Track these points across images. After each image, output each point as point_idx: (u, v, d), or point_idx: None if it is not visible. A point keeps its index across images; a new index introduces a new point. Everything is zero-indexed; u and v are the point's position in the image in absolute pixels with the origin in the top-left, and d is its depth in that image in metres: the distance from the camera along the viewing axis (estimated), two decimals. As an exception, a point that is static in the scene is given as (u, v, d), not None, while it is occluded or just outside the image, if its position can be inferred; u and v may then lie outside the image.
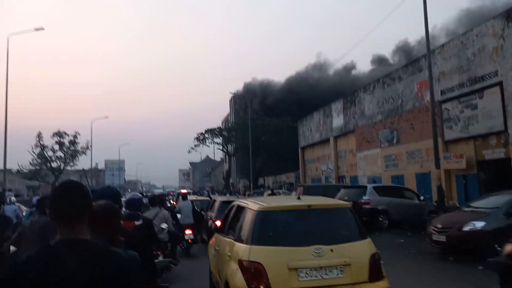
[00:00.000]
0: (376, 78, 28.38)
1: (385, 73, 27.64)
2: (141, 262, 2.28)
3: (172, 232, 8.75)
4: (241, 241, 5.14)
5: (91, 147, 54.05)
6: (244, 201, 6.16)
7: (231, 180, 67.57)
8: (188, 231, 11.74)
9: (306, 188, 19.83)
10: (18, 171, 55.52)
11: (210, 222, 12.88)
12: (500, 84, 16.48)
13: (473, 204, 11.46)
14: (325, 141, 34.42)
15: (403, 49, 60.08)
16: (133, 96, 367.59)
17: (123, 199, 5.67)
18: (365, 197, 16.24)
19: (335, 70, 64.67)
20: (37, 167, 53.23)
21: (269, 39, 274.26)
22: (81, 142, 54.72)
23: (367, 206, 15.89)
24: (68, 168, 56.51)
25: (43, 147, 52.49)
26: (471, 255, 9.46)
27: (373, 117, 26.80)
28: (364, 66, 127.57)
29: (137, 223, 5.02)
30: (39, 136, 52.36)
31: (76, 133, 53.98)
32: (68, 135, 53.58)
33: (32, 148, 52.11)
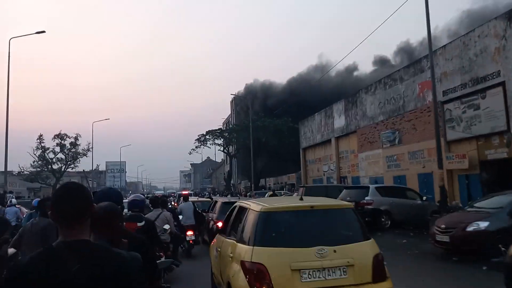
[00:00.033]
0: (378, 79, 28.33)
1: (387, 74, 27.57)
2: (143, 263, 2.26)
3: (174, 233, 8.75)
4: (243, 242, 5.11)
5: (92, 149, 54.12)
6: (246, 202, 6.11)
7: (232, 181, 67.54)
8: (189, 232, 11.71)
9: (307, 189, 19.76)
10: (19, 173, 55.59)
11: (211, 223, 12.86)
12: (502, 84, 16.43)
13: (477, 204, 11.39)
14: (327, 142, 34.38)
15: (405, 50, 60.06)
16: (134, 98, 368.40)
17: (125, 200, 5.63)
18: (367, 198, 16.17)
19: (337, 71, 64.67)
20: (38, 169, 53.29)
21: (271, 41, 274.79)
22: (82, 144, 54.86)
23: (370, 207, 15.83)
24: (69, 170, 56.56)
25: (44, 149, 52.56)
26: (474, 256, 9.40)
27: (374, 117, 26.75)
28: (366, 67, 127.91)
29: (139, 224, 5.01)
30: (40, 138, 52.47)
31: (77, 135, 54.13)
32: (69, 137, 53.69)
33: (33, 150, 52.23)
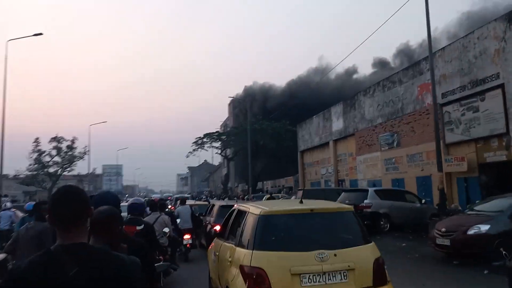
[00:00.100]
0: (377, 81, 28.32)
1: (387, 76, 27.55)
2: (142, 266, 2.21)
3: (172, 236, 8.69)
4: (242, 246, 5.03)
5: (89, 152, 53.91)
6: (245, 205, 6.03)
7: (229, 185, 67.39)
8: (186, 236, 11.62)
9: (306, 192, 19.64)
10: (15, 176, 55.30)
11: (208, 226, 12.75)
12: (502, 86, 16.39)
13: (477, 208, 11.32)
14: (325, 145, 34.33)
15: (405, 52, 60.19)
16: (132, 101, 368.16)
17: (123, 203, 5.56)
18: (366, 201, 16.09)
19: (337, 74, 64.75)
20: (34, 173, 53.01)
21: (271, 45, 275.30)
22: (79, 147, 54.60)
23: (369, 210, 15.75)
24: (66, 173, 56.31)
25: (40, 152, 52.30)
26: (475, 259, 9.31)
27: (373, 120, 26.71)
28: (366, 70, 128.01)
29: (138, 228, 5.00)
30: (37, 141, 52.22)
31: (73, 138, 53.89)
32: (65, 140, 53.46)
33: (30, 153, 51.95)
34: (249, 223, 5.14)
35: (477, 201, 14.59)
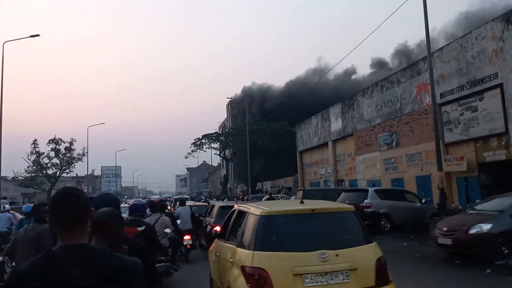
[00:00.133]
0: (375, 82, 28.33)
1: (385, 76, 27.57)
2: (143, 267, 2.21)
3: (173, 237, 8.68)
4: (243, 246, 5.02)
5: (87, 153, 53.84)
6: (246, 206, 6.02)
7: (228, 185, 67.37)
8: (186, 237, 11.60)
9: (306, 192, 19.63)
10: (13, 178, 55.22)
11: (208, 227, 12.73)
12: (500, 86, 16.41)
13: (478, 207, 11.30)
14: (324, 145, 34.34)
15: (403, 52, 60.18)
16: (130, 102, 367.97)
17: (122, 205, 5.56)
18: (366, 201, 16.07)
19: (336, 74, 64.73)
20: (33, 174, 52.95)
21: (270, 46, 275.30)
22: (77, 148, 54.56)
23: (369, 210, 15.72)
24: (64, 175, 56.24)
25: (38, 154, 52.24)
26: (477, 259, 9.29)
27: (371, 120, 26.72)
28: (365, 70, 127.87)
29: (139, 229, 5.02)
30: (35, 143, 52.16)
31: (72, 140, 53.84)
32: (64, 142, 53.41)
33: (28, 155, 51.89)
34: (250, 224, 5.12)
35: (477, 201, 14.60)
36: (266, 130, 48.92)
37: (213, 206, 14.61)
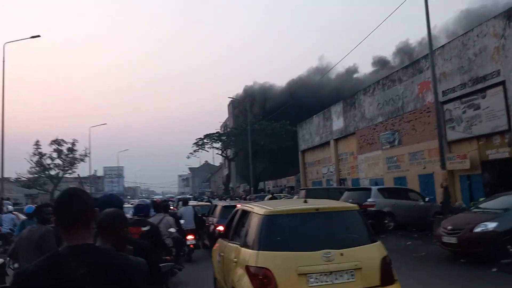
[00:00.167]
0: (377, 80, 28.26)
1: (386, 75, 27.50)
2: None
3: (176, 237, 8.68)
4: (247, 246, 5.01)
5: (90, 154, 53.82)
6: (249, 205, 6.01)
7: (230, 185, 67.37)
8: (189, 237, 11.59)
9: (308, 191, 19.61)
10: (16, 179, 55.31)
11: (211, 227, 12.72)
12: (502, 83, 16.34)
13: (482, 205, 11.22)
14: (325, 144, 34.30)
15: (404, 51, 60.04)
16: (132, 102, 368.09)
17: (127, 205, 5.58)
18: (370, 199, 16.02)
19: (338, 73, 64.56)
20: (36, 175, 52.98)
21: (271, 45, 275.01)
22: (80, 149, 54.53)
23: (372, 209, 15.66)
24: (67, 175, 56.28)
25: (41, 155, 52.26)
26: (482, 257, 9.22)
27: (373, 119, 26.68)
28: (367, 69, 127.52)
29: (144, 229, 5.04)
30: (37, 144, 52.18)
31: (74, 141, 53.83)
32: (66, 143, 53.40)
33: (30, 156, 51.91)
34: (254, 223, 5.11)
35: (480, 199, 14.54)
36: (267, 129, 48.90)
37: (216, 205, 14.60)
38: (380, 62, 64.95)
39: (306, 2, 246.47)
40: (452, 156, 18.60)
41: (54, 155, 53.00)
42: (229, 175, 67.95)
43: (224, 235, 6.62)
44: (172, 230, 8.04)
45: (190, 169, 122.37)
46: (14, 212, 14.20)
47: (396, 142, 24.15)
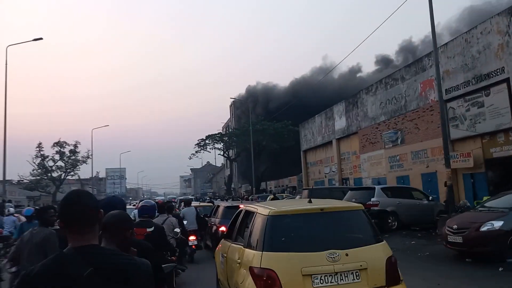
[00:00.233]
0: (379, 79, 28.13)
1: (389, 73, 27.36)
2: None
3: (180, 238, 8.64)
4: (251, 247, 4.93)
5: (92, 156, 53.83)
6: (253, 206, 5.92)
7: (232, 185, 67.29)
8: (192, 237, 11.54)
9: (311, 191, 19.49)
10: (18, 181, 55.43)
11: (214, 228, 12.67)
12: (507, 81, 16.23)
13: (487, 204, 11.08)
14: (328, 144, 34.21)
15: (407, 49, 59.90)
16: (134, 104, 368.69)
17: (129, 206, 5.52)
18: (373, 199, 15.91)
19: (341, 73, 64.47)
20: (38, 177, 53.09)
21: (274, 44, 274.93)
22: (82, 151, 54.62)
23: (376, 208, 15.55)
24: (69, 177, 56.36)
25: (43, 157, 52.35)
26: (488, 256, 9.11)
27: (376, 118, 26.56)
28: (370, 69, 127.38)
29: (148, 230, 5.00)
30: (40, 146, 52.27)
31: (76, 143, 53.93)
32: (68, 145, 53.50)
33: (33, 159, 52.01)
34: (258, 224, 5.03)
35: (484, 197, 14.40)
36: (269, 129, 48.82)
37: (218, 206, 14.53)
38: (383, 61, 64.91)
39: (309, 2, 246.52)
40: (455, 155, 18.47)
41: (57, 157, 53.13)
42: (231, 175, 67.88)
43: (227, 236, 6.55)
44: (177, 230, 8.06)
45: (192, 170, 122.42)
46: (16, 214, 14.13)
47: (399, 141, 24.03)
